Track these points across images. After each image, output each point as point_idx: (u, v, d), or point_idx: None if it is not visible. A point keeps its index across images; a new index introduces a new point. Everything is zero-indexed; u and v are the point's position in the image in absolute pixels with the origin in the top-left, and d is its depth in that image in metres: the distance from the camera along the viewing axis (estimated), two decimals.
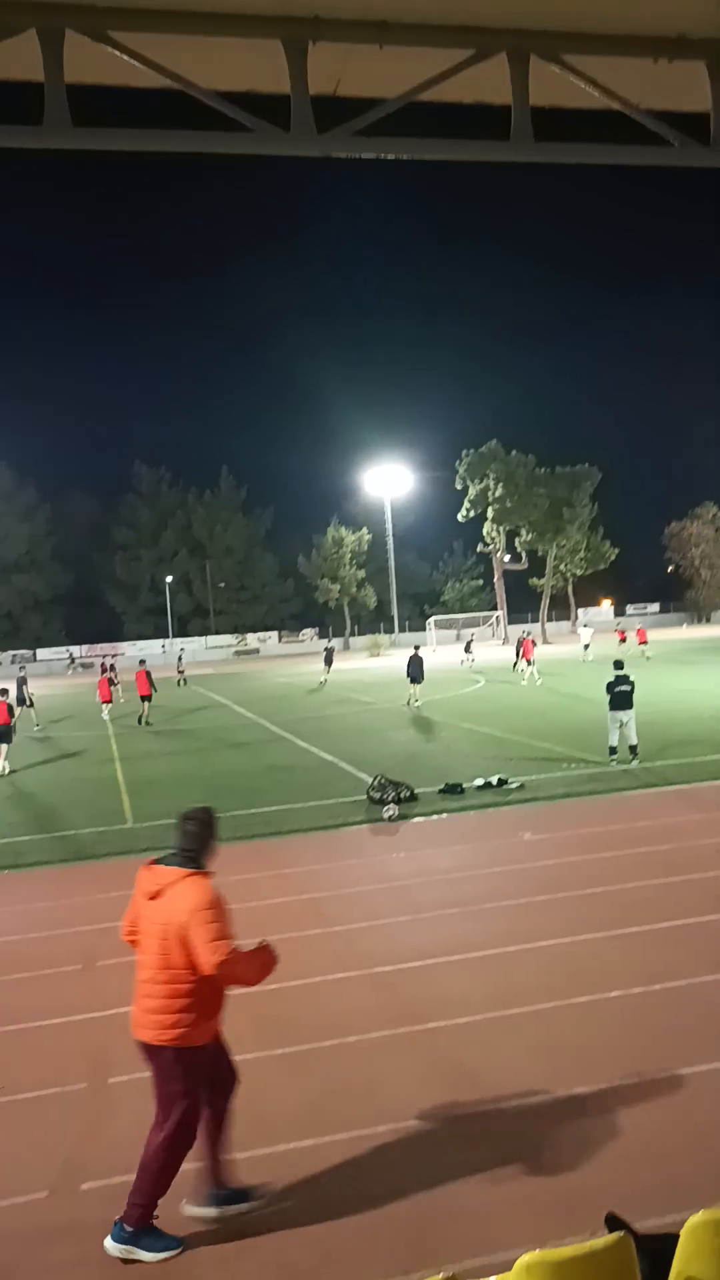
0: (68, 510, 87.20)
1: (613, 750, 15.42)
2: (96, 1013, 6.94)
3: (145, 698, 27.46)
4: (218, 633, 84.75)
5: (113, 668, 38.57)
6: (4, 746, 19.00)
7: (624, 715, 15.27)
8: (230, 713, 29.58)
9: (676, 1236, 3.02)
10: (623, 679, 15.47)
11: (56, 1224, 4.50)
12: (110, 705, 29.45)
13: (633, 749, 15.33)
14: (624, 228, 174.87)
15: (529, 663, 32.82)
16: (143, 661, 32.15)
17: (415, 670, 26.83)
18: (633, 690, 15.43)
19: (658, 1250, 3.08)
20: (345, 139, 6.81)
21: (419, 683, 26.99)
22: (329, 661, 40.26)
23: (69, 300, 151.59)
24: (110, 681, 30.66)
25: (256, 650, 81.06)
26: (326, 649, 42.50)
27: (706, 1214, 2.94)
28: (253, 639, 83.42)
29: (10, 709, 19.54)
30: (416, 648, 28.69)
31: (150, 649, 74.86)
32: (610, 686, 15.47)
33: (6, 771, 18.83)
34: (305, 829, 12.53)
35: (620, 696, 15.33)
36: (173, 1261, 4.14)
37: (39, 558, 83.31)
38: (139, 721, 27.11)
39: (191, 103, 6.55)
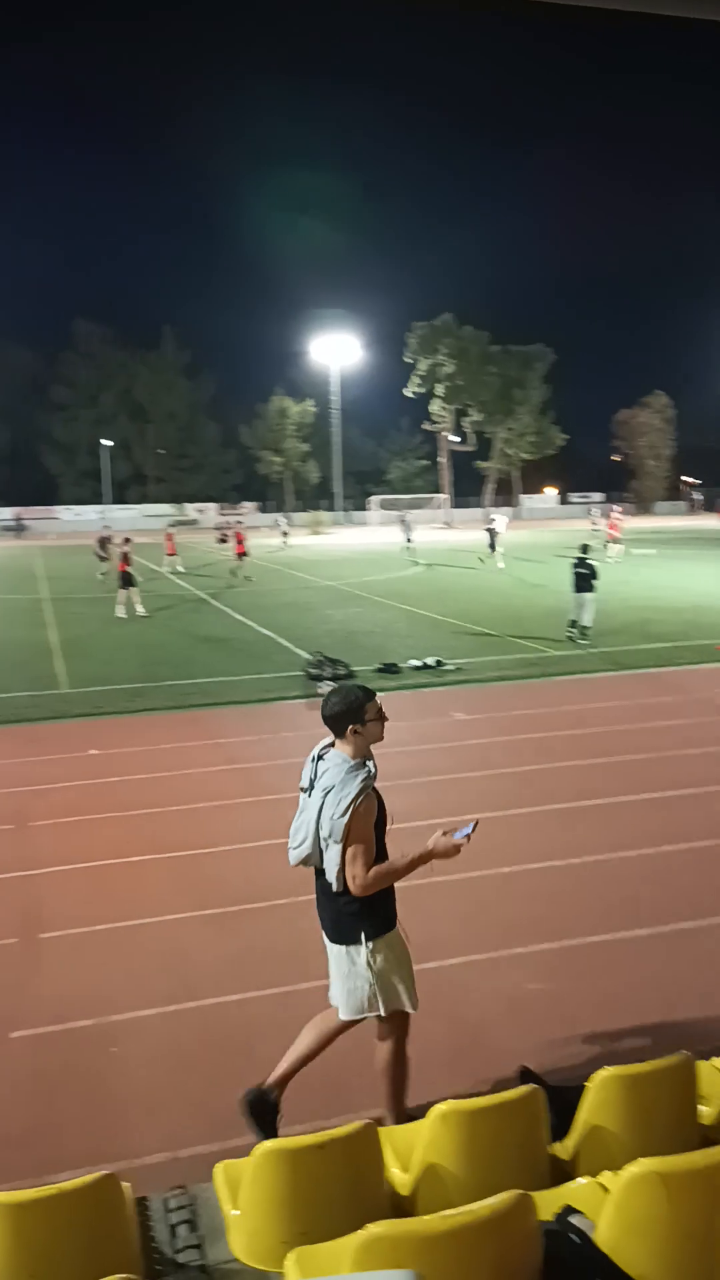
0: (3, 364, 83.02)
1: (571, 624, 16.65)
2: (29, 871, 7.01)
3: (242, 555, 30.52)
4: (156, 501, 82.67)
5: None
6: (135, 590, 21.23)
7: (583, 597, 16.59)
8: (166, 583, 29.24)
9: (582, 1089, 3.22)
10: (581, 562, 16.86)
11: None
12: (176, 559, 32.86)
13: (582, 629, 16.51)
14: (602, 98, 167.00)
15: (616, 541, 34.77)
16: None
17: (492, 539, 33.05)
18: (592, 575, 16.61)
19: (565, 1102, 3.28)
20: None
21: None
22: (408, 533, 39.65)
23: (4, 133, 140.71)
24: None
25: (195, 521, 79.38)
26: (402, 520, 41.91)
27: (609, 1071, 3.14)
28: (191, 509, 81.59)
29: (127, 558, 21.70)
30: (492, 519, 35.00)
31: (86, 515, 73.04)
32: (573, 568, 16.91)
33: (144, 613, 21.03)
34: (241, 701, 12.59)
35: (579, 578, 16.69)
36: (99, 1115, 4.30)
37: None
38: (233, 573, 30.13)
39: None
